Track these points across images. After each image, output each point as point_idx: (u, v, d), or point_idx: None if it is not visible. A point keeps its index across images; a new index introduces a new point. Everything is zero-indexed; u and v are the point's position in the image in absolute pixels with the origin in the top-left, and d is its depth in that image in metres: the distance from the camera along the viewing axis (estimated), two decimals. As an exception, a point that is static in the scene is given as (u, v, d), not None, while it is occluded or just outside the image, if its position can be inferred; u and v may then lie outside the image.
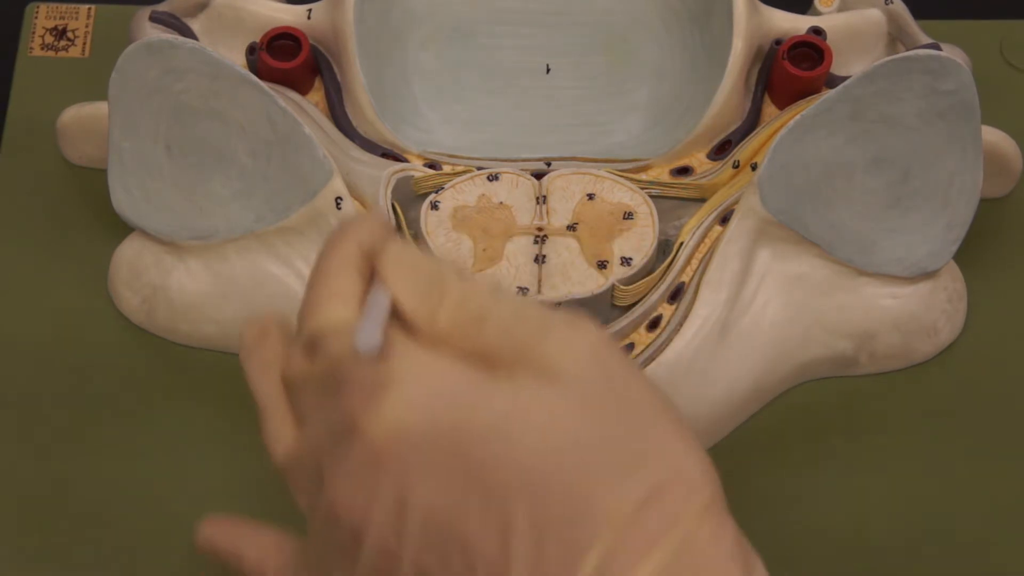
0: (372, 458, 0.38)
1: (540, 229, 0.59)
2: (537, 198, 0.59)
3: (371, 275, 0.41)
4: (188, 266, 0.61)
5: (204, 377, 0.62)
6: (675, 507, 0.37)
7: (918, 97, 0.58)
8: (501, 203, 0.59)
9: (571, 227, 0.59)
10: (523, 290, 0.57)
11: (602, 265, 0.58)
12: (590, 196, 0.60)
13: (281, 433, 0.43)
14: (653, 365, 0.57)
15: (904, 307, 0.61)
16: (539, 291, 0.57)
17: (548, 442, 0.37)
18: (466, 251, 0.58)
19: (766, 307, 0.59)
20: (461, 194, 0.60)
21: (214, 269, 0.61)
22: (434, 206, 0.59)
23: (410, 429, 0.38)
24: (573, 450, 0.37)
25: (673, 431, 0.39)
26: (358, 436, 0.38)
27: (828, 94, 0.57)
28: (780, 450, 0.61)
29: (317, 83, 0.65)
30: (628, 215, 0.59)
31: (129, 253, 0.62)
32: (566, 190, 0.60)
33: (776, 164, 0.58)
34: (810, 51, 0.63)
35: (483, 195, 0.59)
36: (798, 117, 0.57)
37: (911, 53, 0.57)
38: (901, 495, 0.60)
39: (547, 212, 0.59)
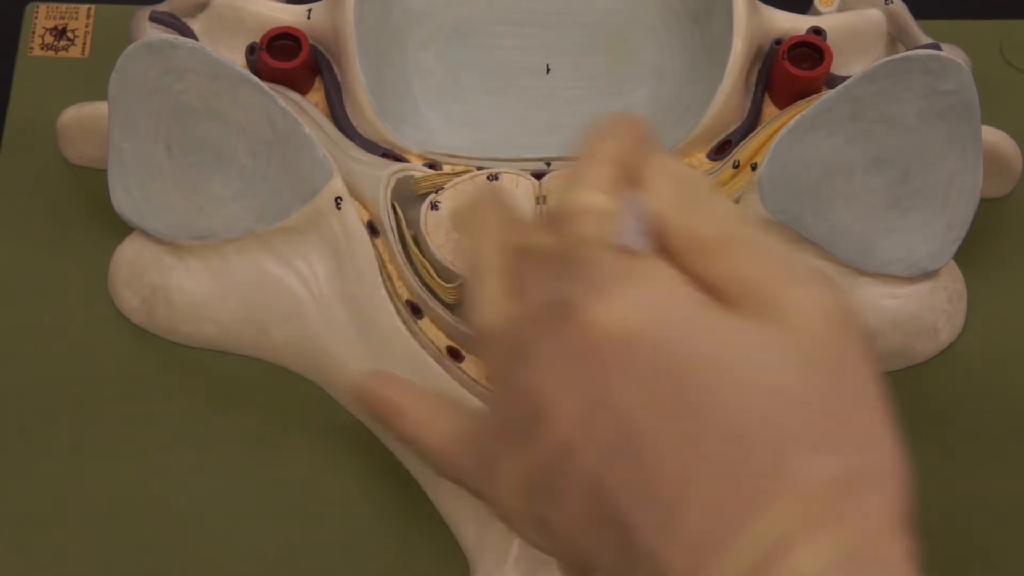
0: (584, 347, 0.37)
1: (540, 229, 0.59)
2: (537, 198, 0.59)
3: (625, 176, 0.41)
4: (188, 266, 0.61)
5: (204, 377, 0.62)
6: (867, 499, 0.36)
7: (918, 97, 0.58)
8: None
9: (571, 227, 0.59)
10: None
11: (602, 265, 0.58)
12: (590, 196, 0.60)
13: (495, 298, 0.42)
14: (653, 365, 0.58)
15: (904, 307, 0.61)
16: (539, 291, 0.57)
17: (760, 387, 0.36)
18: (466, 251, 0.58)
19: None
20: (461, 194, 0.59)
21: (214, 269, 0.61)
22: (434, 206, 0.59)
23: (632, 332, 0.37)
24: (782, 404, 0.36)
25: (884, 423, 0.37)
26: (577, 322, 0.37)
27: (828, 94, 0.57)
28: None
29: (317, 83, 0.65)
30: (628, 215, 0.59)
31: (129, 253, 0.62)
32: (566, 190, 0.60)
33: (776, 164, 0.58)
34: (810, 51, 0.63)
35: (483, 195, 0.60)
36: (798, 117, 0.57)
37: (911, 53, 0.57)
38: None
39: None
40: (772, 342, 0.37)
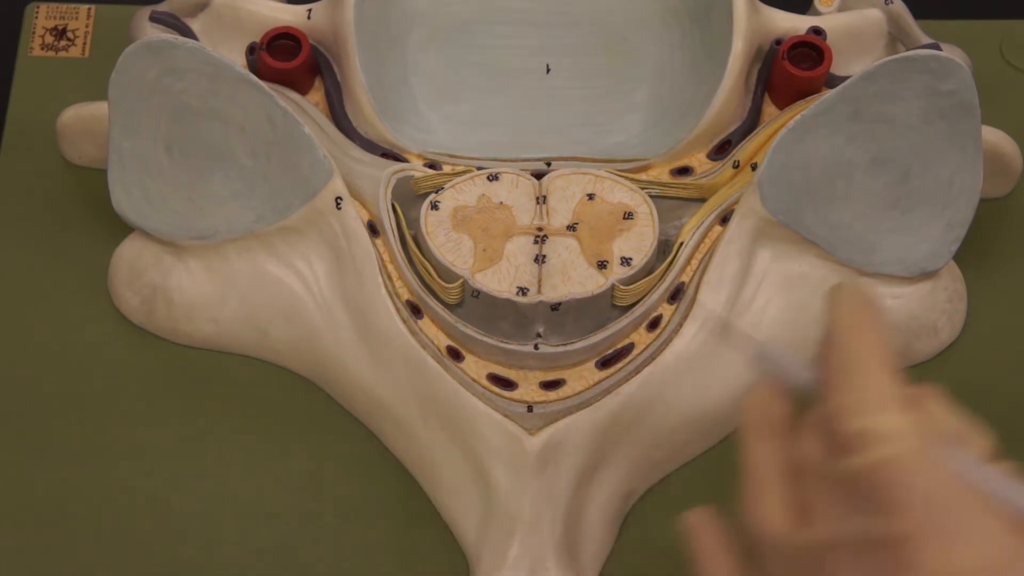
0: None
1: (540, 229, 0.59)
2: (537, 198, 0.59)
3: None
4: (188, 266, 0.61)
5: (204, 377, 0.62)
6: None
7: (918, 97, 0.58)
8: (501, 203, 0.59)
9: (571, 227, 0.59)
10: (523, 290, 0.57)
11: (602, 265, 0.58)
12: (590, 196, 0.59)
13: (775, 512, 0.42)
14: (653, 365, 0.57)
15: (904, 307, 0.61)
16: (539, 291, 0.57)
17: None
18: (466, 251, 0.58)
19: (766, 307, 0.60)
20: (461, 194, 0.59)
21: (214, 269, 0.61)
22: (434, 206, 0.59)
23: None
24: None
25: None
26: (912, 567, 0.37)
27: (828, 94, 0.57)
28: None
29: (317, 83, 0.65)
30: (628, 215, 0.59)
31: (129, 253, 0.62)
32: (566, 190, 0.60)
33: (776, 164, 0.58)
34: (810, 51, 0.63)
35: (483, 195, 0.59)
36: (798, 117, 0.57)
37: (911, 53, 0.57)
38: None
39: (547, 212, 0.59)
40: None
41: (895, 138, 0.58)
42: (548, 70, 0.67)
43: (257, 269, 0.61)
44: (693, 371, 0.58)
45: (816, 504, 0.41)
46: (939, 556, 0.37)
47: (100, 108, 0.64)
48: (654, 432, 0.58)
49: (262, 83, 0.58)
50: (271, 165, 0.59)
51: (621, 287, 0.58)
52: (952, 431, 0.41)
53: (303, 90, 0.64)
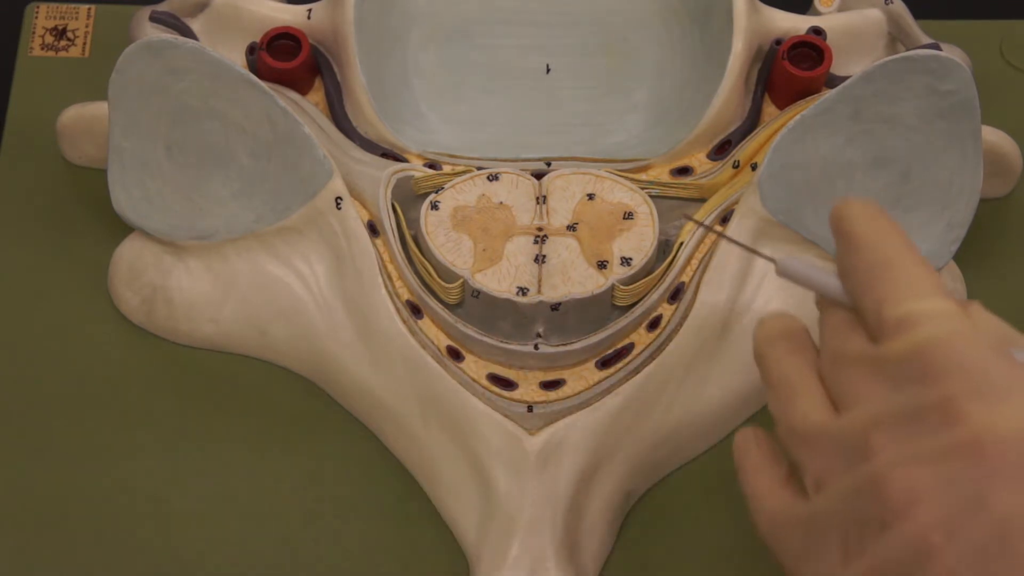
0: (966, 449, 0.37)
1: (540, 229, 0.59)
2: (537, 198, 0.59)
3: None
4: (188, 266, 0.61)
5: (204, 377, 0.62)
6: None
7: (918, 97, 0.58)
8: (501, 203, 0.59)
9: (571, 227, 0.59)
10: (523, 290, 0.57)
11: (602, 265, 0.58)
12: (590, 196, 0.59)
13: (811, 408, 0.42)
14: (653, 365, 0.57)
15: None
16: (539, 291, 0.57)
17: None
18: (466, 251, 0.58)
19: (767, 306, 0.59)
20: (461, 194, 0.59)
21: (214, 269, 0.61)
22: (434, 206, 0.59)
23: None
24: None
25: None
26: (957, 424, 0.37)
27: (828, 94, 0.57)
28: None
29: (317, 83, 0.65)
30: (628, 215, 0.59)
31: (129, 253, 0.62)
32: (566, 190, 0.60)
33: (776, 164, 0.58)
34: (810, 51, 0.63)
35: (483, 195, 0.59)
36: (798, 117, 0.57)
37: (911, 53, 0.57)
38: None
39: (547, 212, 0.59)
40: None
41: (895, 138, 0.58)
42: (548, 70, 0.67)
43: (257, 269, 0.61)
44: (693, 371, 0.58)
45: (854, 392, 0.41)
46: (984, 414, 0.37)
47: (100, 108, 0.64)
48: (654, 432, 0.58)
49: (262, 83, 0.58)
50: (271, 165, 0.59)
51: (621, 287, 0.58)
52: (998, 331, 0.41)
53: (303, 90, 0.64)
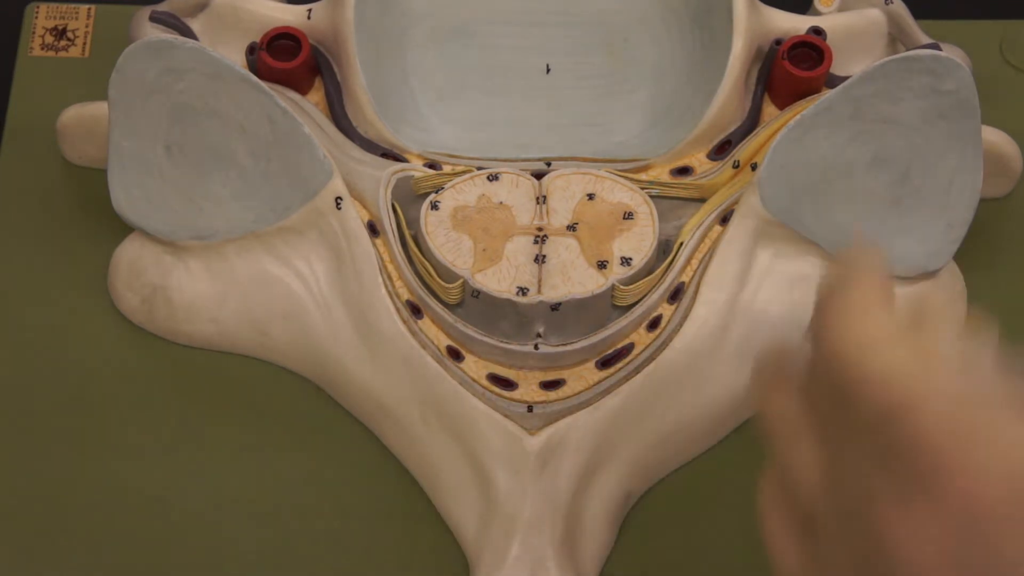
0: (965, 505, 0.37)
1: (540, 229, 0.59)
2: (537, 198, 0.59)
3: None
4: (188, 266, 0.61)
5: (204, 377, 0.62)
6: None
7: (918, 97, 0.58)
8: (501, 203, 0.59)
9: (571, 227, 0.59)
10: (523, 290, 0.57)
11: (602, 265, 0.58)
12: (590, 196, 0.59)
13: (808, 468, 0.43)
14: (653, 365, 0.57)
15: (903, 307, 0.61)
16: (539, 291, 0.57)
17: None
18: (466, 251, 0.58)
19: (767, 307, 0.59)
20: (461, 194, 0.59)
21: (214, 269, 0.61)
22: (434, 206, 0.59)
23: (1017, 482, 0.37)
24: None
25: None
26: (945, 482, 0.37)
27: (828, 94, 0.57)
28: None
29: (317, 83, 0.65)
30: (628, 215, 0.59)
31: (129, 253, 0.62)
32: (566, 190, 0.60)
33: (776, 164, 0.58)
34: (810, 51, 0.63)
35: (483, 195, 0.59)
36: (798, 117, 0.57)
37: (911, 53, 0.57)
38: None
39: (547, 212, 0.59)
40: None
41: (895, 138, 0.58)
42: (548, 70, 0.67)
43: (257, 269, 0.61)
44: (693, 371, 0.58)
45: (840, 457, 0.41)
46: (960, 460, 0.37)
47: (100, 108, 0.63)
48: (654, 432, 0.58)
49: (262, 83, 0.58)
50: (271, 165, 0.59)
51: (621, 287, 0.58)
52: (957, 353, 0.41)
53: (303, 90, 0.64)
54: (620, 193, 0.60)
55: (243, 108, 0.58)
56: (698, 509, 0.59)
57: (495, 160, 0.63)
